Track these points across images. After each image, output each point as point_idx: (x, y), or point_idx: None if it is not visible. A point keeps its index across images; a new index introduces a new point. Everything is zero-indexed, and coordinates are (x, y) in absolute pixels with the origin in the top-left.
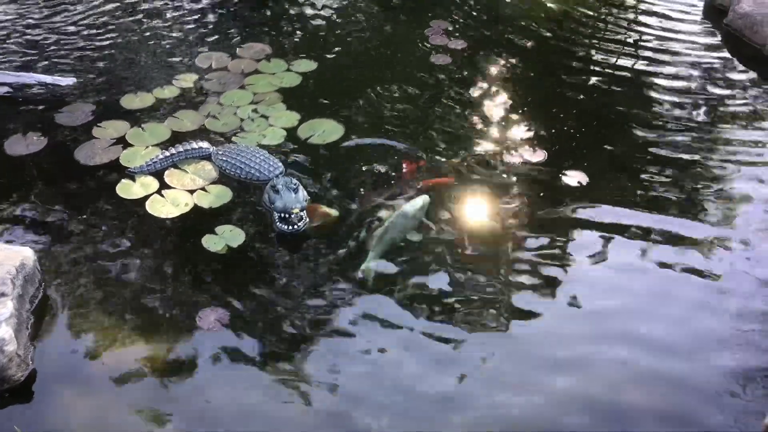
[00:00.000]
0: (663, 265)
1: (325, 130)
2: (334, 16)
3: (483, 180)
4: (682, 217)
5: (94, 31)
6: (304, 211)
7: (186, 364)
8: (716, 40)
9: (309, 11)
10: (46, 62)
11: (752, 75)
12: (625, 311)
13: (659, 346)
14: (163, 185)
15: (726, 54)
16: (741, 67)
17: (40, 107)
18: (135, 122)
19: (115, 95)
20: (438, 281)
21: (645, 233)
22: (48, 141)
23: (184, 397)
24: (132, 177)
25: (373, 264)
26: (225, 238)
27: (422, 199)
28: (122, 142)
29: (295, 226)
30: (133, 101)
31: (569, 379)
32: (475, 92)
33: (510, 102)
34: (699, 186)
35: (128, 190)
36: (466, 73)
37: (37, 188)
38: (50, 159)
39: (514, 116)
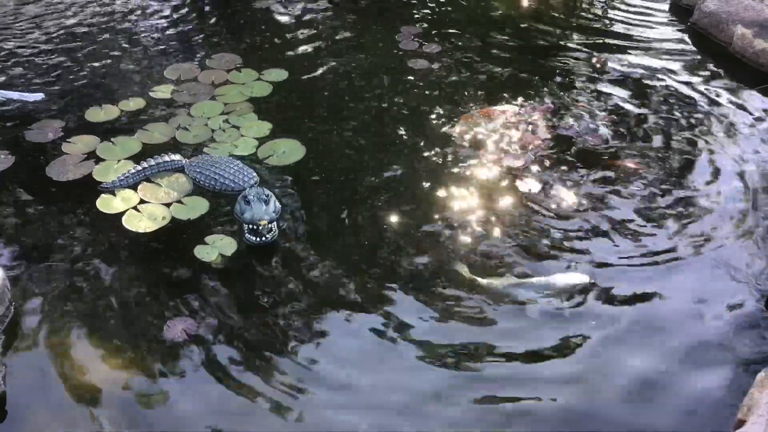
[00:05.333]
0: None
1: (285, 151)
2: (305, 25)
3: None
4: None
5: (61, 46)
6: (274, 223)
7: (157, 377)
8: (682, 38)
9: (279, 20)
10: (12, 78)
11: (719, 72)
12: None
13: None
14: (139, 200)
15: (693, 52)
16: (708, 65)
17: (8, 124)
18: (105, 136)
19: (84, 110)
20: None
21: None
22: (18, 158)
23: (157, 412)
24: (112, 191)
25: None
26: (217, 246)
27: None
28: (94, 156)
29: (264, 238)
30: (98, 114)
31: None
32: (458, 94)
33: (492, 103)
34: (665, 181)
35: (109, 204)
36: (445, 75)
37: (6, 206)
38: (21, 176)
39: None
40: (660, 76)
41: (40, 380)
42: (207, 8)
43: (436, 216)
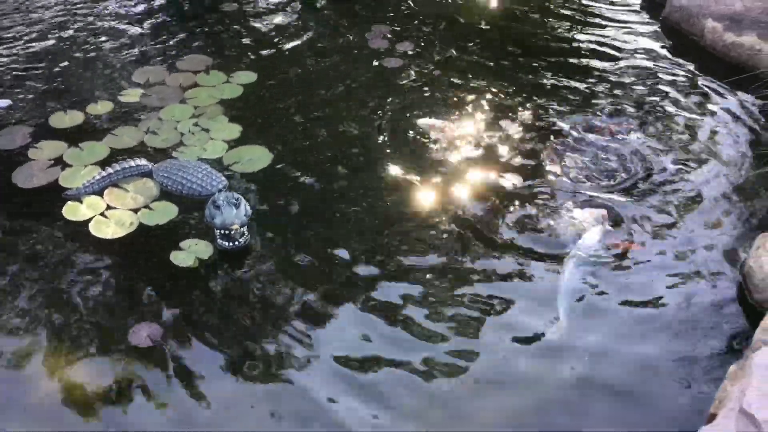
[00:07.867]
0: None
1: (251, 158)
2: (274, 26)
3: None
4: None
5: (27, 51)
6: (245, 227)
7: (123, 383)
8: (654, 33)
9: (247, 22)
10: None
11: (690, 65)
12: None
13: None
14: (106, 206)
15: (664, 46)
16: (679, 59)
17: None
18: (73, 141)
19: (51, 115)
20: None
21: None
22: None
23: (127, 419)
24: (78, 198)
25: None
26: (193, 251)
27: (598, 231)
28: (61, 162)
29: (236, 242)
30: (63, 120)
31: None
32: (432, 93)
33: (472, 104)
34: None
35: (75, 211)
36: (419, 73)
37: None
38: None
39: (481, 121)
40: (630, 70)
41: (5, 390)
42: (174, 10)
43: (410, 217)
